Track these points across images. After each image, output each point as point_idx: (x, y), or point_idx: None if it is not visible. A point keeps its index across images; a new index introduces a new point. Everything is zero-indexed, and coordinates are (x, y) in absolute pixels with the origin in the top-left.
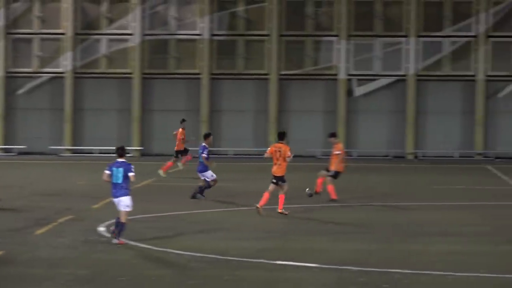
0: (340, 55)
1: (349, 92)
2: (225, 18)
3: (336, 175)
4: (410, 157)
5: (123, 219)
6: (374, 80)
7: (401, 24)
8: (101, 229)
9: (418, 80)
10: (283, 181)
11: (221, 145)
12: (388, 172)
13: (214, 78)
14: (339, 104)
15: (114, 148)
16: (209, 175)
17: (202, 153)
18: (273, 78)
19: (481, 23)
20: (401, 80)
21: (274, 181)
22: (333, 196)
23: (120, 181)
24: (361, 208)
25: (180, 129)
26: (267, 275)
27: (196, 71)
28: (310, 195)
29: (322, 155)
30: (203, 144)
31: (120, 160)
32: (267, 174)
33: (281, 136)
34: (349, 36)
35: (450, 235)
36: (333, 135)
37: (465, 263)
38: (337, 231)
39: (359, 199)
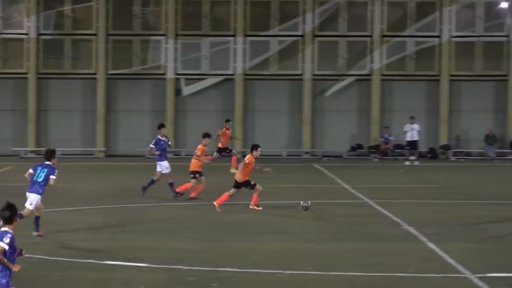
0: (168, 55)
1: (178, 92)
2: (52, 17)
3: (197, 174)
4: (239, 156)
5: (24, 214)
6: (202, 79)
7: (228, 23)
8: None
9: (246, 79)
10: (246, 185)
11: (49, 145)
12: (217, 172)
13: (41, 78)
14: (167, 104)
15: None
16: (164, 167)
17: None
18: (101, 77)
19: (308, 23)
20: (229, 80)
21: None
22: (186, 191)
23: (40, 179)
24: (190, 206)
25: (224, 129)
26: (97, 275)
27: (23, 70)
28: (306, 208)
29: (151, 155)
30: (158, 136)
31: (47, 163)
32: (96, 174)
33: (251, 148)
34: (177, 35)
35: (279, 233)
36: (209, 136)
37: (293, 261)
38: (166, 230)
39: (189, 198)
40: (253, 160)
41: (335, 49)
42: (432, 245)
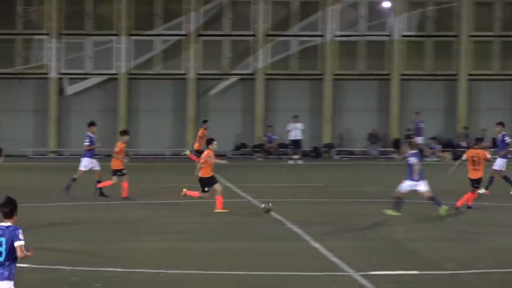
0: (51, 54)
1: (61, 91)
2: None
3: (119, 173)
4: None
5: None
6: (85, 79)
7: (112, 22)
8: None
9: (130, 78)
10: (208, 183)
11: None
12: (107, 171)
13: None
14: (50, 103)
15: None
16: (83, 164)
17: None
18: None
19: (192, 22)
20: (113, 79)
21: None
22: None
23: None
24: (73, 206)
25: (202, 129)
26: None
27: None
28: (268, 210)
29: (33, 155)
30: (87, 133)
31: None
32: None
33: (206, 143)
34: (60, 34)
35: (164, 233)
36: (127, 133)
37: (177, 260)
38: (52, 231)
39: (72, 198)
40: (212, 153)
41: (219, 48)
42: (315, 244)
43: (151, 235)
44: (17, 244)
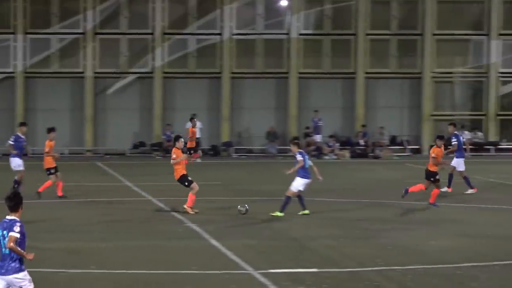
0: None
1: None
2: None
3: (53, 170)
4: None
5: None
6: None
7: (8, 21)
8: None
9: (27, 77)
10: (182, 182)
11: None
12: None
13: None
14: None
15: None
16: (13, 165)
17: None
18: None
19: (89, 20)
20: (10, 78)
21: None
22: (48, 189)
23: None
24: None
25: (190, 128)
26: None
27: None
28: (245, 212)
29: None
30: (17, 132)
31: None
32: None
33: (173, 140)
34: None
35: (63, 232)
36: (54, 130)
37: (77, 259)
38: None
39: (56, 197)
40: (180, 151)
41: (117, 47)
42: (215, 242)
43: (52, 234)
44: (10, 234)
